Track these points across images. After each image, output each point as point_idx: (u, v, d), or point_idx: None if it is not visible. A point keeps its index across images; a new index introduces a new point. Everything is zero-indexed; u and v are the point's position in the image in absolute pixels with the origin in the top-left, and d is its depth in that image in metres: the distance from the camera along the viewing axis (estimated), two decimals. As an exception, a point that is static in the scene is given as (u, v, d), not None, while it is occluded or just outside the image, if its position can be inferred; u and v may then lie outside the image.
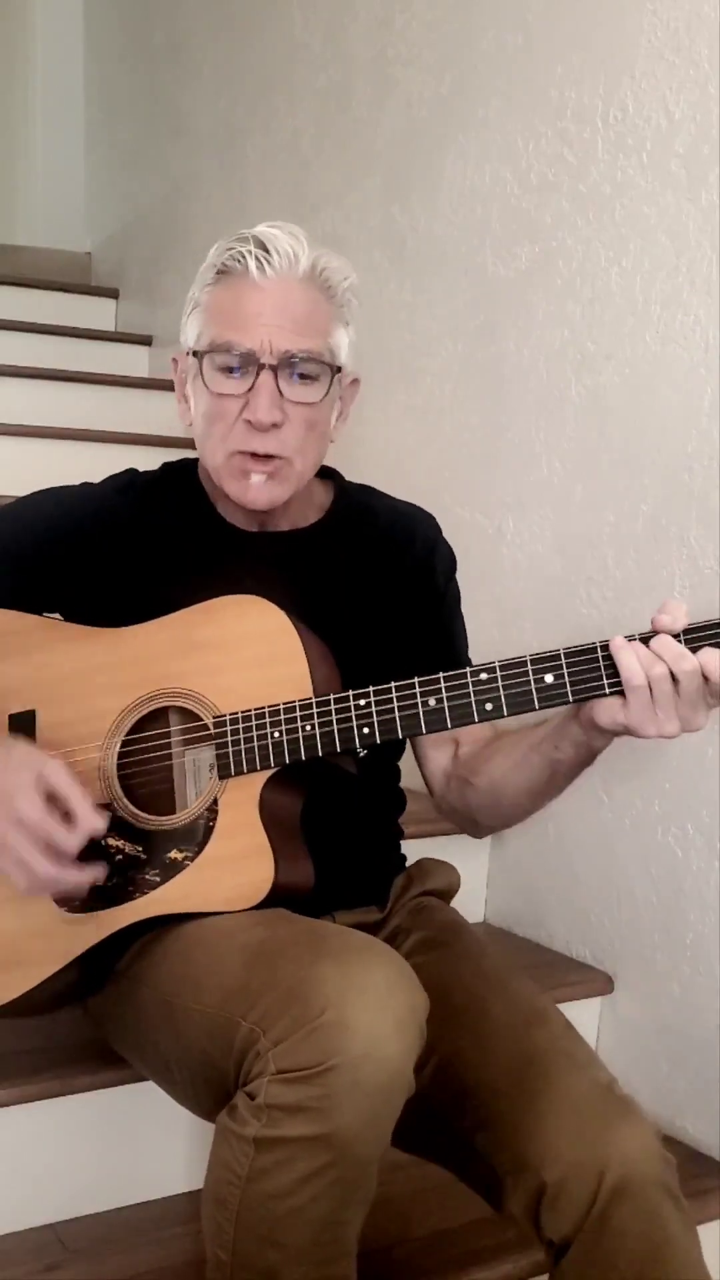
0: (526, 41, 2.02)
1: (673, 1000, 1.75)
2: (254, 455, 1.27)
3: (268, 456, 1.27)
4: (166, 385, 3.58)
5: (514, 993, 1.28)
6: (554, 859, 1.95)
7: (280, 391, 1.25)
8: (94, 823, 1.16)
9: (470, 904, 2.02)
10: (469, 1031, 1.23)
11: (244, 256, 1.24)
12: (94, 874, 1.19)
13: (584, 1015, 1.83)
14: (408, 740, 1.40)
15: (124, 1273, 1.38)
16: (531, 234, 2.00)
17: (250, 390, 1.24)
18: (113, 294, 3.79)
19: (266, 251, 1.24)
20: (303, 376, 1.26)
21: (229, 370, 1.26)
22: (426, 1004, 1.07)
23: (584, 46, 1.89)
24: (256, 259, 1.23)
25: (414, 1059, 1.03)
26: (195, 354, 1.28)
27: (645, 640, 1.10)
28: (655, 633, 1.10)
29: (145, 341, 3.51)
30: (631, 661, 1.09)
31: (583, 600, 1.88)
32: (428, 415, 2.22)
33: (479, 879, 2.08)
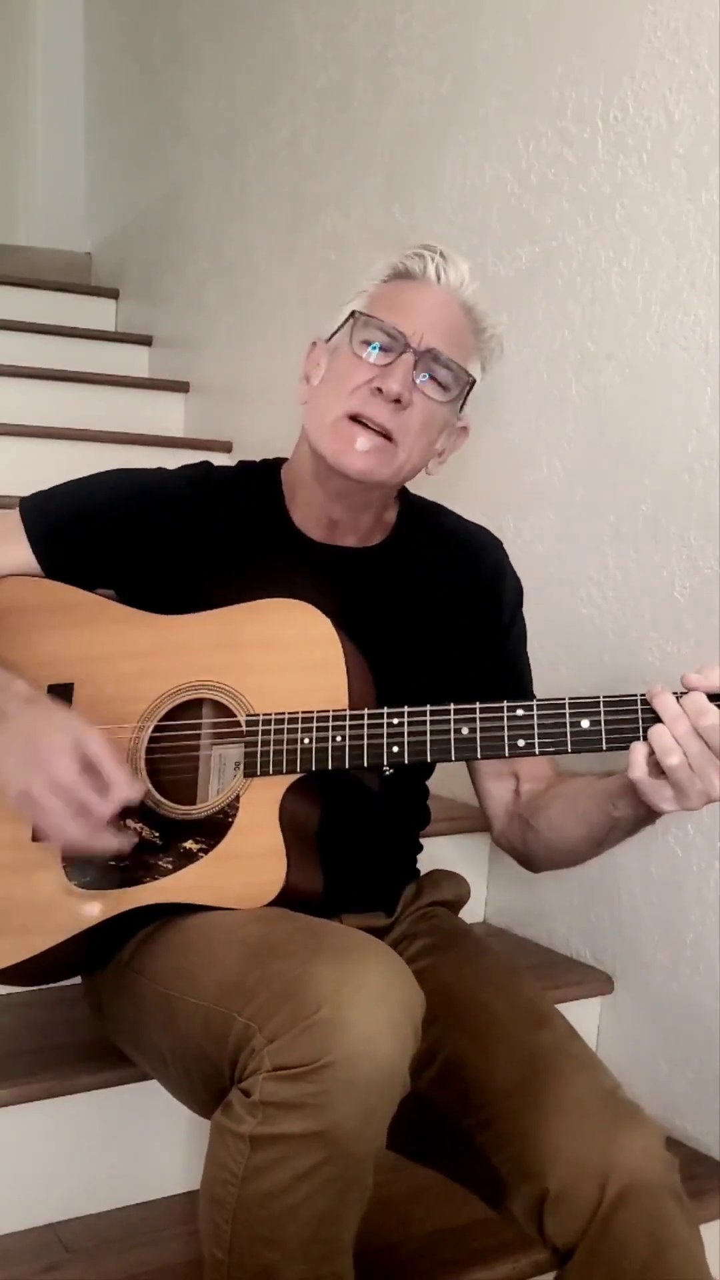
0: (526, 41, 2.02)
1: (673, 1000, 1.75)
2: (366, 424, 1.28)
3: (379, 432, 1.28)
4: (166, 385, 3.58)
5: (518, 995, 1.28)
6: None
7: (414, 378, 1.28)
8: (128, 791, 1.17)
9: (470, 904, 2.00)
10: (472, 1033, 1.23)
11: (426, 260, 1.30)
12: (125, 841, 1.20)
13: (584, 1015, 1.83)
14: (469, 774, 1.42)
15: (124, 1273, 1.38)
16: (531, 234, 2.00)
17: (389, 365, 1.27)
18: (113, 294, 3.79)
19: (446, 262, 1.30)
20: (436, 382, 1.30)
21: (374, 346, 1.29)
22: (423, 1002, 1.07)
23: (584, 46, 1.89)
24: (437, 267, 1.30)
25: (409, 1057, 1.04)
26: (353, 315, 1.31)
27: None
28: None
29: (145, 341, 3.51)
30: (638, 754, 1.10)
31: (583, 600, 1.88)
32: (428, 415, 2.22)
33: (479, 879, 2.08)
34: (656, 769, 1.10)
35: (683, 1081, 1.74)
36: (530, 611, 1.96)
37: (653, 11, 1.76)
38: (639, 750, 1.10)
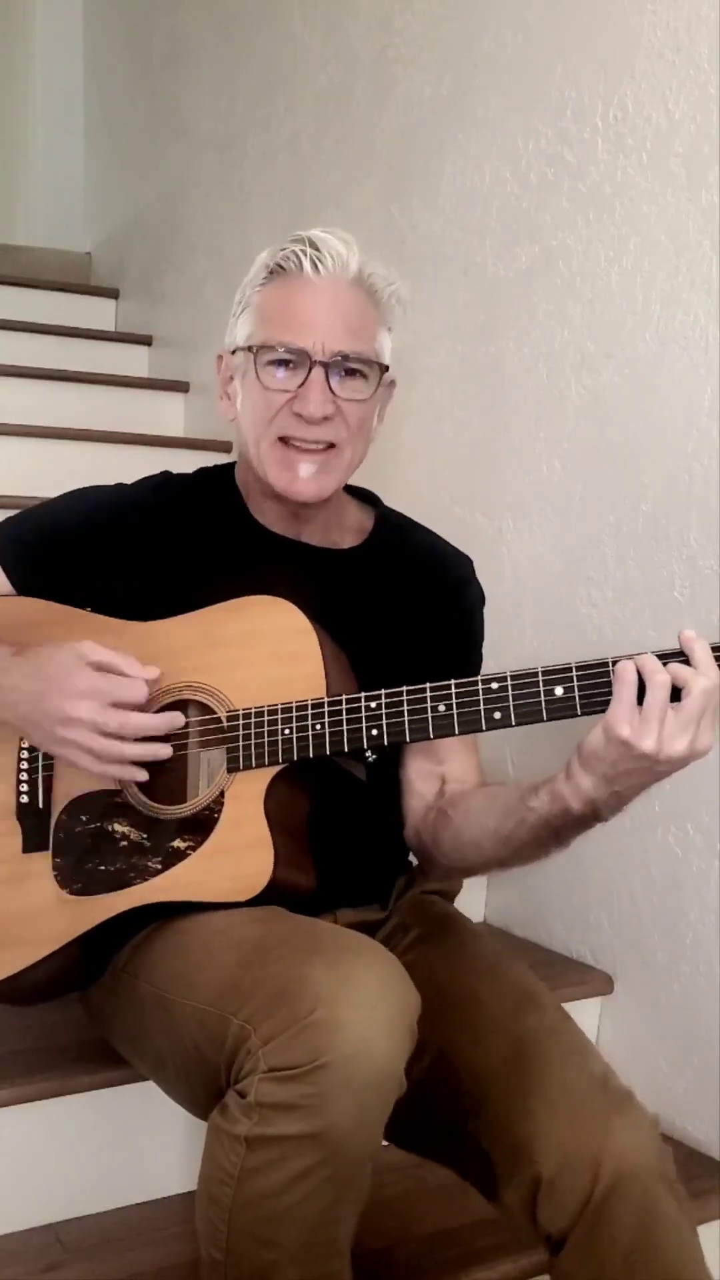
0: (526, 41, 2.02)
1: (673, 1000, 1.75)
2: (301, 445, 1.28)
3: (316, 446, 1.28)
4: (166, 385, 3.58)
5: (506, 980, 1.29)
6: (554, 859, 1.94)
7: (331, 388, 1.27)
8: (144, 671, 1.20)
9: (470, 904, 2.02)
10: (463, 1022, 1.23)
11: (299, 256, 1.27)
12: (169, 720, 1.21)
13: (584, 1015, 1.83)
14: (399, 770, 1.41)
15: (124, 1273, 1.38)
16: (531, 234, 2.00)
17: (302, 385, 1.27)
18: (113, 294, 3.79)
19: (319, 252, 1.27)
20: (350, 373, 1.29)
21: (281, 364, 1.28)
22: (418, 1003, 1.07)
23: (584, 46, 1.89)
24: (311, 259, 1.27)
25: (405, 1057, 1.04)
26: (249, 349, 1.30)
27: (665, 662, 1.08)
28: (680, 652, 1.08)
29: (145, 341, 3.51)
30: (628, 665, 1.07)
31: (583, 600, 1.88)
32: (427, 415, 2.22)
33: (479, 879, 2.07)
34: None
35: (683, 1081, 1.74)
36: (530, 611, 1.97)
37: (653, 11, 1.75)
38: (627, 667, 1.07)
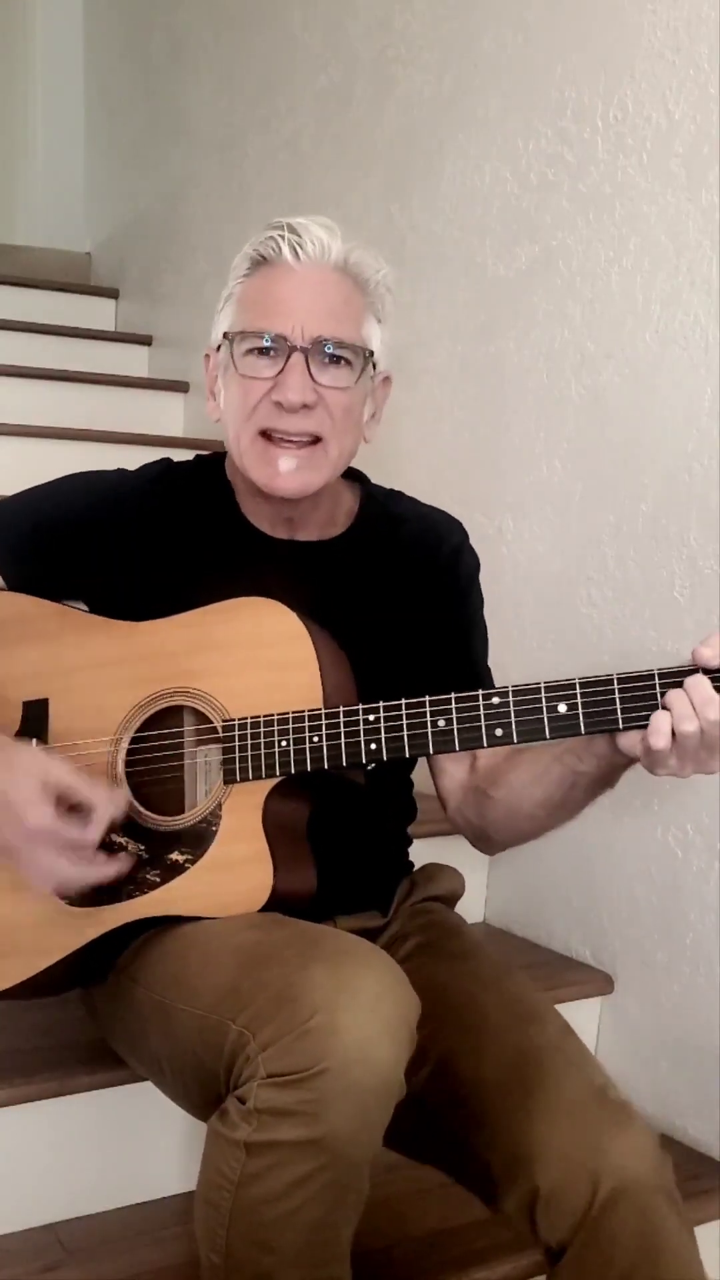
0: (526, 41, 2.02)
1: (673, 1000, 1.75)
2: (283, 439, 1.24)
3: (299, 441, 1.24)
4: (166, 385, 3.58)
5: (510, 993, 1.28)
6: (554, 859, 1.95)
7: (312, 375, 1.23)
8: (110, 808, 1.17)
9: (470, 904, 2.02)
10: (465, 1032, 1.22)
11: (278, 242, 1.25)
12: (118, 866, 1.19)
13: (584, 1015, 1.83)
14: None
15: (123, 1273, 1.38)
16: (531, 234, 2.00)
17: (280, 372, 1.23)
18: (113, 294, 3.79)
19: (299, 237, 1.24)
20: (334, 359, 1.24)
21: (260, 353, 1.24)
22: (418, 1007, 1.06)
23: (584, 46, 1.89)
24: (290, 244, 1.24)
25: (404, 1062, 1.03)
26: (227, 336, 1.26)
27: (678, 680, 1.06)
28: (692, 669, 1.07)
29: (145, 341, 3.51)
30: (662, 723, 1.06)
31: (583, 600, 1.88)
32: (427, 415, 2.22)
33: (479, 879, 2.08)
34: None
35: (683, 1081, 1.74)
36: (530, 611, 1.97)
37: (652, 11, 1.75)
38: (663, 719, 1.06)
